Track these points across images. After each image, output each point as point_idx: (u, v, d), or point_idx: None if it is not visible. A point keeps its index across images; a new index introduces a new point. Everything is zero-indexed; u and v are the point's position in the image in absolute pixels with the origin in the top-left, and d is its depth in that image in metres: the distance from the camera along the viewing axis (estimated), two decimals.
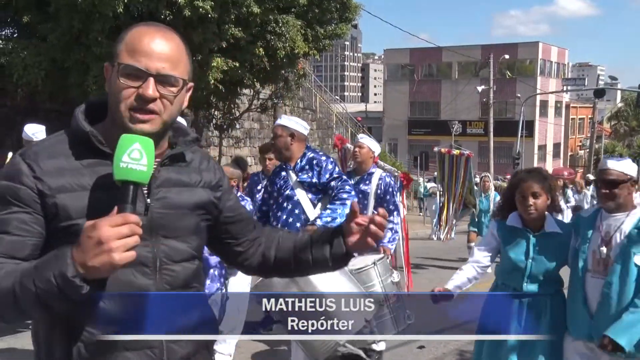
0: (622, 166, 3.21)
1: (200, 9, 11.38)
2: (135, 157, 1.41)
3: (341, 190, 4.33)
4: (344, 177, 4.52)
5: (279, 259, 1.80)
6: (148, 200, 1.53)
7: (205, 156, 1.76)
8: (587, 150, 46.92)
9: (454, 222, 10.39)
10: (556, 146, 50.97)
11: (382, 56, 69.03)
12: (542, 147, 47.36)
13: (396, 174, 7.72)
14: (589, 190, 17.58)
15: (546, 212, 3.43)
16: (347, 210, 4.30)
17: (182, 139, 1.66)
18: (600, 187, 3.21)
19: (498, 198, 10.79)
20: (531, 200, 3.35)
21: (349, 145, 8.05)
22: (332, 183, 4.34)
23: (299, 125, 4.53)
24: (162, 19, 11.65)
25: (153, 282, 1.53)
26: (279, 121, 4.64)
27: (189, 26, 11.95)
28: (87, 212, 1.44)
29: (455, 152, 10.00)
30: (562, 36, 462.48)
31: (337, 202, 4.30)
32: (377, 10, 20.10)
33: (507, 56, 40.06)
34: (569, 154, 54.34)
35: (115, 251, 1.28)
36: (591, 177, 19.93)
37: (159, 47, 1.49)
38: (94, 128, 1.53)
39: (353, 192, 4.48)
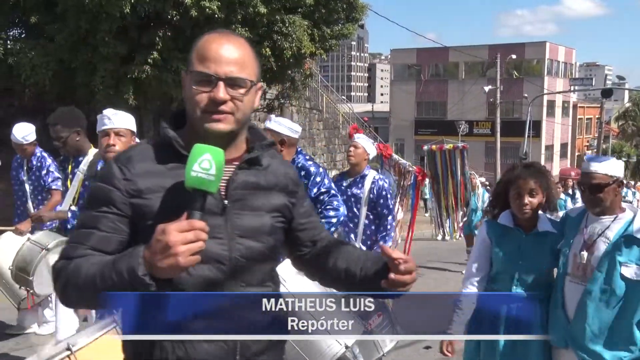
0: (606, 167, 2.97)
1: (207, 9, 11.41)
2: (205, 167, 1.50)
3: (328, 207, 4.11)
4: (333, 191, 4.26)
5: (336, 271, 1.84)
6: (225, 201, 1.63)
7: (283, 162, 1.86)
8: (595, 150, 46.68)
9: (459, 220, 10.02)
10: (563, 146, 50.77)
11: (389, 56, 68.90)
12: (550, 147, 47.19)
13: (410, 169, 7.44)
14: None
15: (540, 211, 3.21)
16: (333, 229, 4.15)
17: (259, 143, 1.74)
18: (584, 191, 2.99)
19: (486, 195, 10.32)
20: (527, 199, 3.12)
21: (396, 157, 7.89)
22: (320, 197, 4.11)
23: (289, 130, 4.28)
24: (169, 19, 11.70)
25: (228, 280, 1.63)
26: (268, 124, 4.32)
27: (195, 26, 11.98)
28: (170, 212, 1.54)
29: (448, 146, 9.44)
30: (569, 36, 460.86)
31: (323, 220, 4.00)
32: (384, 10, 20.09)
33: (514, 56, 39.94)
34: (577, 154, 54.08)
35: (180, 255, 1.40)
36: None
37: (227, 53, 1.60)
38: (177, 134, 1.66)
39: (342, 209, 4.22)
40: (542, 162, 44.33)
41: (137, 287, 1.44)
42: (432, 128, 47.55)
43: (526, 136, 30.42)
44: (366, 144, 5.35)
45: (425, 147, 9.85)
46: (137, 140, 4.68)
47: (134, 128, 3.91)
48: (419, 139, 48.21)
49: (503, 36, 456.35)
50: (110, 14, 11.02)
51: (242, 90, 1.61)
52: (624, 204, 3.08)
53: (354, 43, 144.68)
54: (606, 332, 2.89)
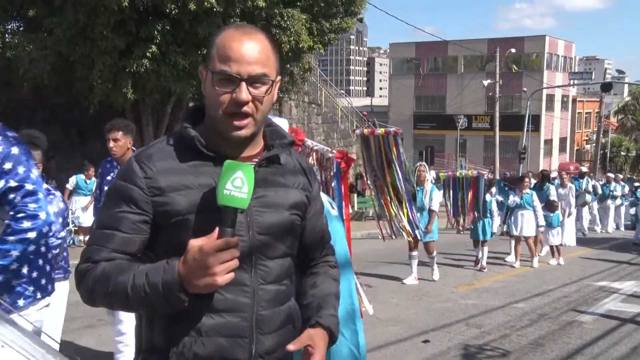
0: None
1: (206, 3, 11.37)
2: (238, 185, 1.51)
3: (20, 215, 2.61)
4: (31, 186, 2.66)
5: (301, 289, 1.87)
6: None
7: (301, 159, 1.87)
8: (594, 144, 46.65)
9: (404, 218, 8.14)
10: (562, 140, 50.75)
11: (388, 50, 68.76)
12: (548, 142, 47.17)
13: (330, 154, 6.08)
14: (589, 181, 17.61)
15: None
16: (31, 247, 2.69)
17: (279, 142, 1.75)
18: None
19: (436, 192, 9.30)
20: None
21: (310, 142, 6.33)
22: (10, 197, 2.61)
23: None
24: (168, 12, 11.66)
25: (249, 277, 1.64)
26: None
27: (194, 20, 11.95)
28: (193, 210, 1.57)
29: (380, 131, 7.97)
30: (569, 29, 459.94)
31: (11, 238, 2.58)
32: (383, 3, 19.99)
33: (513, 50, 39.83)
34: (575, 148, 54.09)
35: (218, 275, 1.44)
36: (584, 169, 19.87)
37: (248, 51, 1.58)
38: (197, 130, 1.65)
39: (42, 215, 2.62)
40: (541, 156, 44.39)
41: (171, 302, 1.47)
42: (431, 122, 47.53)
43: (525, 130, 30.39)
44: (280, 122, 4.43)
45: (357, 131, 8.50)
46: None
47: None
48: (417, 133, 48.22)
49: (502, 30, 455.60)
50: (108, 7, 10.99)
51: (263, 89, 1.60)
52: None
53: (352, 37, 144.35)
54: None
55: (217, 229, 1.47)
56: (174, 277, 1.45)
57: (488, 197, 10.59)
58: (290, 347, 1.64)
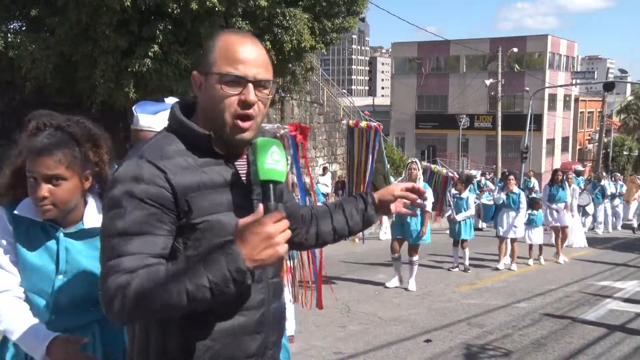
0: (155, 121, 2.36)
1: (208, 2, 11.38)
2: (276, 158, 1.56)
3: None
4: None
5: (322, 236, 2.02)
6: (254, 200, 1.66)
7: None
8: (596, 144, 46.59)
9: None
10: (565, 140, 50.68)
11: (390, 49, 68.70)
12: (551, 141, 47.10)
13: (282, 131, 5.64)
14: (584, 182, 17.61)
15: (90, 197, 2.14)
16: None
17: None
18: None
19: (429, 191, 8.62)
20: (44, 190, 1.97)
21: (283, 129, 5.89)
22: None
23: None
24: (170, 12, 11.67)
25: (262, 271, 1.64)
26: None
27: (196, 19, 11.96)
28: (214, 209, 1.56)
29: (363, 124, 7.77)
30: (571, 29, 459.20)
31: None
32: (385, 3, 19.99)
33: (515, 49, 39.78)
34: (578, 147, 54.01)
35: (279, 244, 1.45)
36: (579, 167, 19.86)
37: (253, 54, 1.60)
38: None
39: None
40: (543, 156, 44.34)
41: (238, 285, 1.43)
42: (433, 122, 47.52)
43: (527, 130, 30.33)
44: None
45: (344, 122, 8.53)
46: None
47: None
48: (420, 132, 48.20)
49: (504, 29, 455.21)
50: (111, 7, 11.00)
51: (266, 92, 1.63)
52: None
53: (354, 36, 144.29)
54: None
55: (260, 205, 1.48)
56: (239, 258, 1.41)
57: (466, 193, 10.30)
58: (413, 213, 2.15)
